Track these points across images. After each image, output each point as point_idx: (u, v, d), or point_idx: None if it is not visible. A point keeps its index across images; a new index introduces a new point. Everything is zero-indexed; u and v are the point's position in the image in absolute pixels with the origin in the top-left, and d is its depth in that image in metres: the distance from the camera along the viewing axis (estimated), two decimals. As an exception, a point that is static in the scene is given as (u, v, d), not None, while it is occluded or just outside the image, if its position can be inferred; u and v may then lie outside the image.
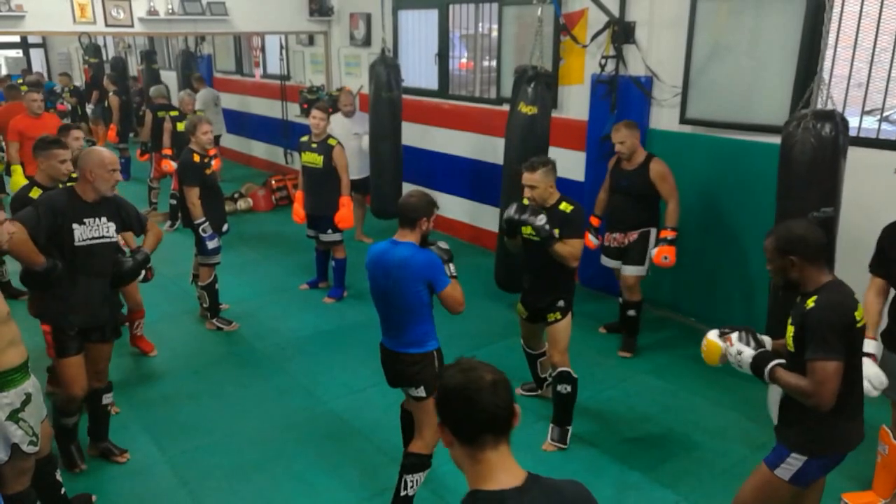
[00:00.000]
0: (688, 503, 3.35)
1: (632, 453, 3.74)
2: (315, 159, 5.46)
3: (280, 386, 4.45)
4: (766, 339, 2.60)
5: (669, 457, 3.71)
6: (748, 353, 2.42)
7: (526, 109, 4.94)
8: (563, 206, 3.57)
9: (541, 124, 5.00)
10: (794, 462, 2.38)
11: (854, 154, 4.20)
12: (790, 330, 2.38)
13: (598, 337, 5.06)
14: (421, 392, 3.05)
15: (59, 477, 3.09)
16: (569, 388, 3.67)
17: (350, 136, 6.72)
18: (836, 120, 3.51)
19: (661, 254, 4.55)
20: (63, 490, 3.12)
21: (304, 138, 5.59)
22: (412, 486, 3.10)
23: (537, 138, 5.01)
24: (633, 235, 4.70)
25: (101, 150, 3.35)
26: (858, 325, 2.30)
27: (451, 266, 3.07)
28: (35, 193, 3.64)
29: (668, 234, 4.54)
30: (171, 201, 7.67)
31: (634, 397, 4.31)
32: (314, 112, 5.47)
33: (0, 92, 8.71)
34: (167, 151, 7.30)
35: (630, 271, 4.73)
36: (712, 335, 2.60)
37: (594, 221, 4.88)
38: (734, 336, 2.51)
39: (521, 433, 4.02)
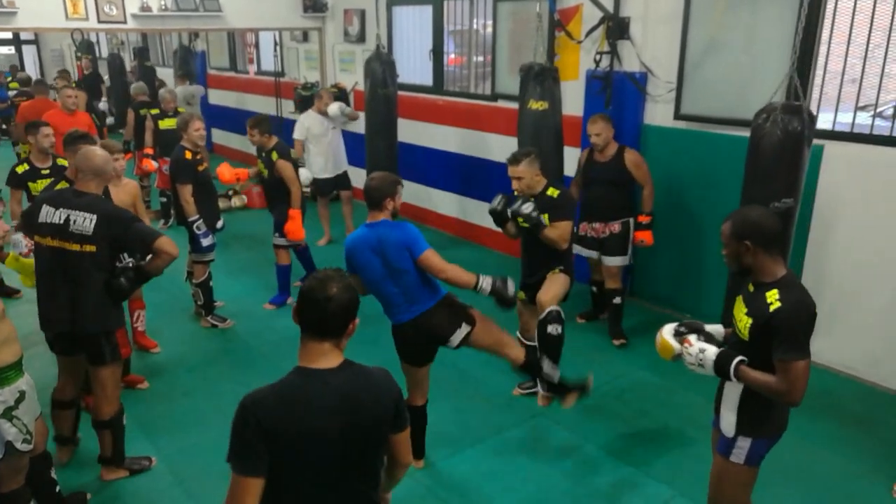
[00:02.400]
0: (683, 498, 3.36)
1: (627, 449, 3.75)
2: (262, 169, 5.38)
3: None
4: (719, 329, 2.65)
5: (665, 452, 3.72)
6: (712, 350, 2.41)
7: (536, 105, 4.96)
8: (551, 191, 3.73)
9: (552, 119, 5.01)
10: (743, 444, 2.46)
11: (848, 150, 4.22)
12: (746, 321, 2.38)
13: (593, 334, 5.06)
14: (465, 329, 3.19)
15: (53, 475, 3.08)
16: (559, 329, 3.69)
17: (328, 130, 6.71)
18: (804, 115, 3.62)
19: (638, 237, 4.80)
20: (58, 488, 3.11)
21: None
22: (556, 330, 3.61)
23: (550, 133, 5.02)
24: (615, 226, 4.82)
25: (98, 148, 3.35)
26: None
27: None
28: (61, 186, 3.65)
29: (644, 220, 4.79)
30: (162, 199, 7.65)
31: (629, 393, 4.32)
32: (249, 131, 5.26)
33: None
34: (148, 150, 7.25)
35: (615, 262, 4.86)
36: (667, 334, 2.61)
37: None
38: (692, 337, 2.51)
39: (517, 430, 4.05)
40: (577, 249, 4.90)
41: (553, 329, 3.69)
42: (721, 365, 2.38)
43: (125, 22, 7.15)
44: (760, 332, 2.31)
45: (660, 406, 4.16)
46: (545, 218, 3.71)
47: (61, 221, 3.09)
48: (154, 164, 7.23)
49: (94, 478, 3.50)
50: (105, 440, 3.43)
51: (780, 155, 3.64)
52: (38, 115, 6.63)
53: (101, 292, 3.18)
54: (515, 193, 3.78)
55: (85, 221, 3.08)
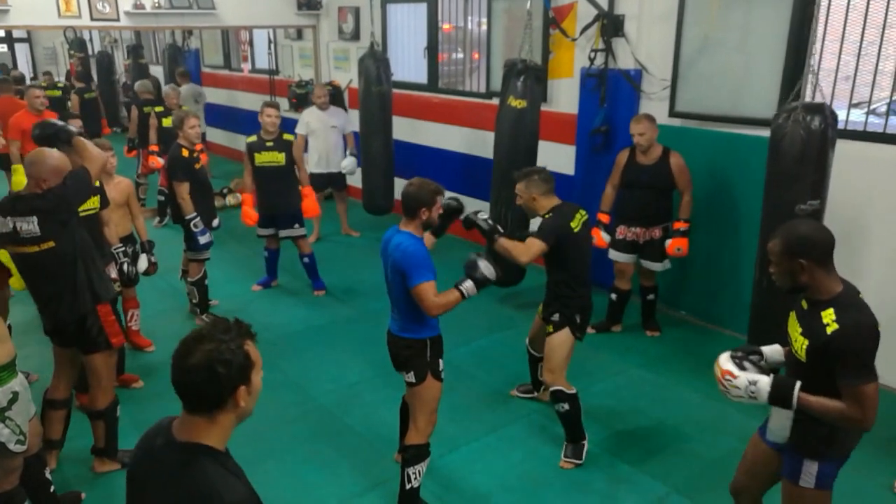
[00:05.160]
0: (678, 495, 3.37)
1: (622, 446, 3.76)
2: (276, 157, 5.34)
3: (271, 382, 4.38)
4: (777, 349, 2.46)
5: (660, 449, 3.73)
6: (764, 381, 2.20)
7: (515, 103, 4.93)
8: (546, 215, 3.50)
9: (530, 118, 4.99)
10: (811, 468, 2.32)
11: (841, 147, 4.23)
12: (802, 341, 2.22)
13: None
14: (411, 377, 3.07)
15: (48, 475, 3.07)
16: (566, 406, 3.50)
17: (328, 128, 6.71)
18: (826, 113, 3.53)
19: (674, 245, 4.63)
20: (52, 488, 3.10)
21: (253, 139, 5.40)
22: (416, 478, 3.12)
23: (527, 132, 5.00)
24: (657, 232, 4.71)
25: (52, 152, 3.23)
26: None
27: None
28: None
29: (682, 226, 4.62)
30: (159, 197, 7.63)
31: (625, 390, 4.32)
32: (269, 111, 5.34)
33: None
34: (153, 147, 7.24)
35: (656, 267, 4.81)
36: (725, 363, 2.33)
37: (603, 218, 4.82)
38: (731, 367, 2.26)
39: (512, 427, 4.06)
40: (613, 255, 4.86)
41: (559, 407, 3.52)
42: (780, 396, 2.19)
43: (118, 19, 7.11)
44: (818, 354, 2.16)
45: (655, 403, 4.16)
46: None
47: (10, 230, 3.08)
48: (160, 161, 7.21)
49: (88, 478, 3.49)
50: (98, 431, 3.45)
51: (803, 156, 3.53)
52: (2, 115, 6.51)
53: (77, 280, 3.20)
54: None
55: (30, 225, 3.06)
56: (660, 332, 4.99)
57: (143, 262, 4.23)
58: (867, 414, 2.12)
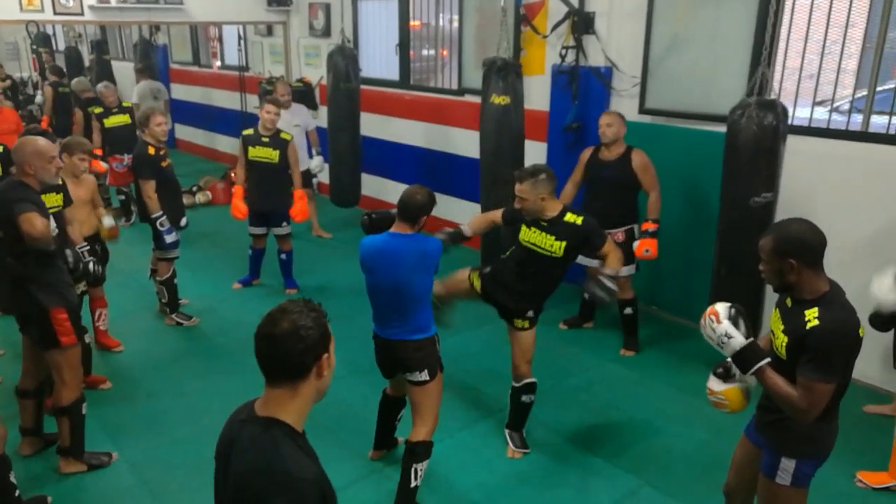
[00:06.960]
0: (650, 487, 3.41)
1: (595, 440, 3.79)
2: (270, 154, 5.33)
3: (243, 381, 4.36)
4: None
5: (632, 443, 3.77)
6: (738, 340, 2.20)
7: (498, 100, 4.95)
8: (570, 217, 3.37)
9: (515, 114, 5.01)
10: (787, 466, 2.33)
11: (805, 144, 4.32)
12: (783, 338, 2.24)
13: (561, 325, 5.10)
14: (424, 376, 3.11)
15: (13, 479, 3.00)
16: (532, 398, 3.62)
17: (290, 127, 6.66)
18: (778, 109, 3.67)
19: (642, 247, 4.46)
20: (17, 492, 3.03)
21: (249, 131, 5.41)
22: (420, 476, 3.14)
23: (512, 128, 5.03)
24: (619, 235, 4.55)
25: (36, 138, 3.21)
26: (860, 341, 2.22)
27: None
28: None
29: (650, 227, 4.46)
30: (120, 196, 7.50)
31: (598, 385, 4.36)
32: (268, 107, 5.33)
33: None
34: (97, 151, 6.98)
35: (623, 272, 4.61)
36: (716, 385, 2.43)
37: None
38: (721, 311, 2.25)
39: (485, 423, 4.05)
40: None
41: (527, 398, 3.60)
42: (744, 359, 2.21)
43: (82, 14, 6.96)
44: (797, 351, 2.17)
45: (627, 397, 4.21)
46: (561, 246, 3.36)
47: None
48: (104, 166, 7.00)
49: (55, 482, 3.42)
50: (63, 429, 3.39)
51: (757, 150, 3.65)
52: None
53: (16, 277, 3.15)
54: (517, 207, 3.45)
55: None
56: (636, 352, 4.73)
57: (108, 220, 4.23)
58: (811, 410, 2.15)
